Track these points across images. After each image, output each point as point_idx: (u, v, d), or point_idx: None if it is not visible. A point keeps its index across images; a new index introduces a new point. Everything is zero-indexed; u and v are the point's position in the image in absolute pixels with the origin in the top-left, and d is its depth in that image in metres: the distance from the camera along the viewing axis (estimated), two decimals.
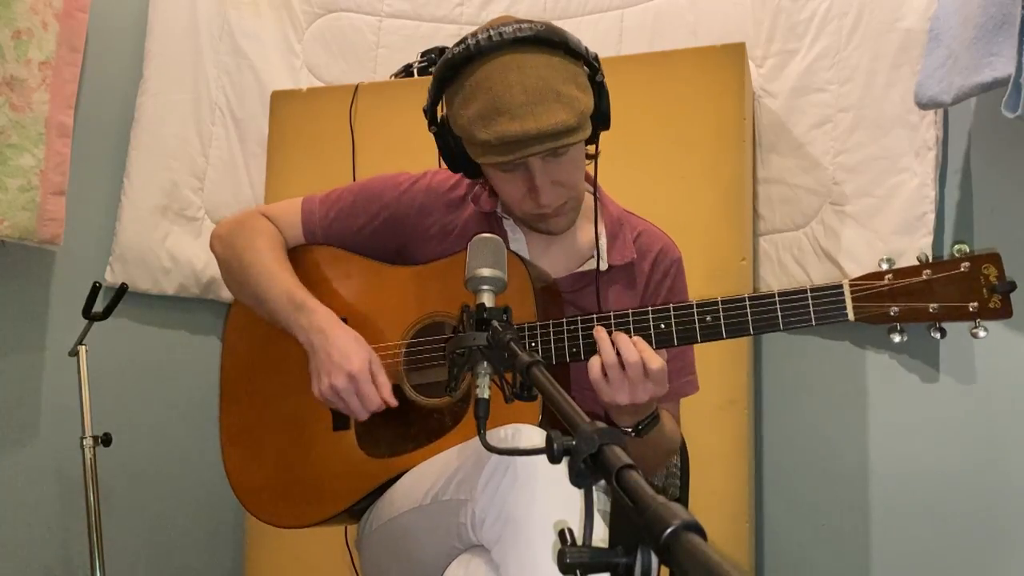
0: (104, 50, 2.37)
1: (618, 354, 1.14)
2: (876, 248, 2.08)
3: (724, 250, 2.02)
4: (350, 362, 1.23)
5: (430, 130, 1.32)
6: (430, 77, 2.52)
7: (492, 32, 1.20)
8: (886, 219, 2.08)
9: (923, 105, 1.95)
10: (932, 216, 2.03)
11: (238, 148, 2.59)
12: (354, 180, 2.29)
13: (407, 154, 2.27)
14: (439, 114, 1.32)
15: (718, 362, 1.94)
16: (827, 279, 2.16)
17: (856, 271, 2.09)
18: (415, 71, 2.41)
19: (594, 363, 1.16)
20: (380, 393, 1.25)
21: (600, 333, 1.17)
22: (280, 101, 2.45)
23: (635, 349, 1.14)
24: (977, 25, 1.76)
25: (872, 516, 2.14)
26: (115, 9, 2.43)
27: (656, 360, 1.14)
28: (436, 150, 2.30)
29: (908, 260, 2.00)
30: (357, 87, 2.38)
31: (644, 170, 2.08)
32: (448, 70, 1.24)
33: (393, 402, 1.26)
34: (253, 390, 1.43)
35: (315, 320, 1.29)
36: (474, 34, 1.22)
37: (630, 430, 1.23)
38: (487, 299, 1.04)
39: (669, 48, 2.29)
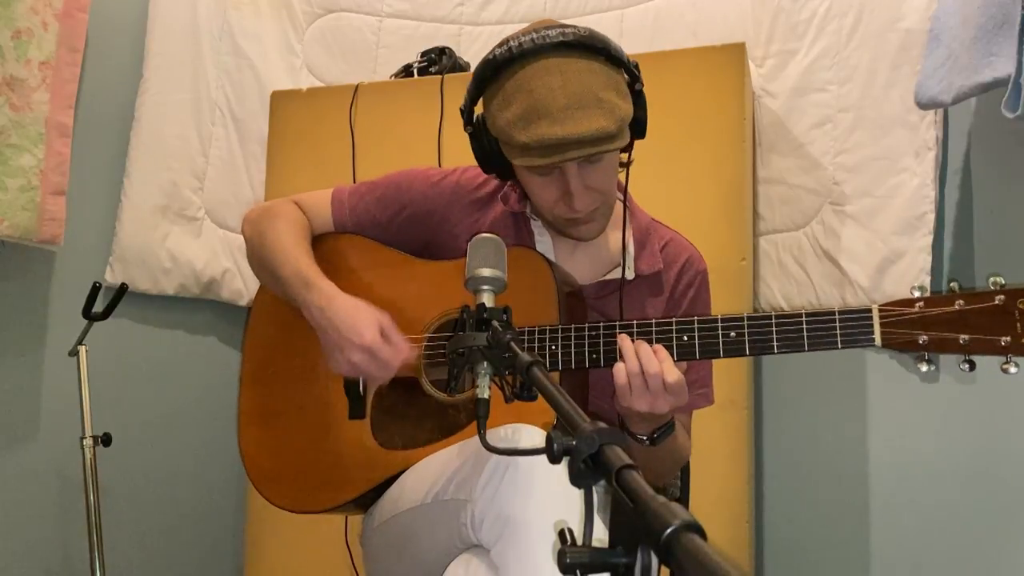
0: (104, 50, 2.37)
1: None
2: (876, 248, 2.08)
3: (724, 250, 2.02)
4: (360, 335, 1.22)
5: (465, 129, 1.32)
6: (430, 77, 2.54)
7: (535, 35, 1.21)
8: (886, 219, 2.08)
9: (923, 105, 1.95)
10: (932, 216, 2.03)
11: (238, 148, 2.59)
12: (354, 180, 2.29)
13: (407, 154, 2.28)
14: (476, 114, 1.32)
15: (718, 362, 1.93)
16: (827, 279, 2.16)
17: (856, 271, 2.10)
18: (415, 71, 2.41)
19: (619, 369, 1.16)
20: (399, 353, 1.24)
21: (624, 341, 1.17)
22: (280, 101, 2.45)
23: (656, 360, 1.14)
24: (977, 25, 1.76)
25: (872, 516, 2.14)
26: (115, 9, 2.43)
27: (673, 373, 1.14)
28: (436, 150, 2.31)
29: (909, 260, 2.02)
30: (357, 87, 2.38)
31: (644, 170, 2.06)
32: (490, 70, 1.24)
33: (412, 356, 1.26)
34: (273, 374, 1.44)
35: (317, 297, 1.28)
36: (516, 36, 1.22)
37: (645, 438, 1.23)
38: (487, 299, 1.04)
39: (669, 48, 2.29)
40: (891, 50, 2.12)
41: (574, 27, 1.23)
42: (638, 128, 1.28)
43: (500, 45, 1.23)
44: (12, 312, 2.14)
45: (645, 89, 1.29)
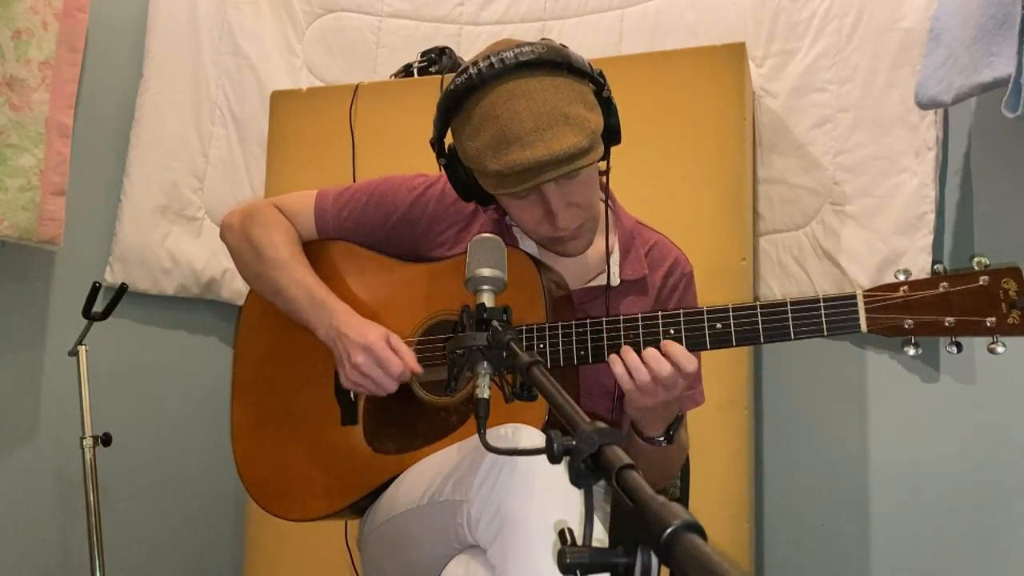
0: (104, 50, 2.37)
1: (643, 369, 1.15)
2: (876, 248, 2.08)
3: (724, 250, 2.02)
4: (365, 336, 1.24)
5: (439, 162, 1.31)
6: (430, 77, 2.53)
7: (493, 59, 1.18)
8: (886, 219, 2.08)
9: (923, 105, 1.95)
10: (932, 216, 2.03)
11: (238, 148, 2.59)
12: (354, 180, 2.29)
13: (407, 154, 2.27)
14: (446, 144, 1.31)
15: (718, 362, 1.94)
16: (827, 279, 2.16)
17: (856, 271, 2.09)
18: (415, 71, 2.41)
19: (624, 377, 1.16)
20: (402, 359, 1.24)
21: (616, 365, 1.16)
22: (280, 101, 2.45)
23: (644, 369, 1.14)
24: (977, 25, 1.76)
25: (872, 516, 2.14)
26: (115, 9, 2.43)
27: (665, 367, 1.14)
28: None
29: (909, 260, 2.02)
30: (357, 87, 2.38)
31: (644, 170, 2.07)
32: (452, 102, 1.22)
33: (417, 368, 1.25)
34: (264, 382, 1.44)
35: (333, 318, 1.29)
36: (475, 62, 1.20)
37: (662, 439, 1.23)
38: (487, 299, 1.04)
39: (669, 48, 2.29)
40: (891, 50, 2.12)
41: (531, 44, 1.20)
42: (611, 136, 1.27)
43: (459, 74, 1.21)
44: (12, 312, 2.14)
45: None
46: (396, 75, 2.45)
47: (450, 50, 2.43)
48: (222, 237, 1.49)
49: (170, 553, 2.45)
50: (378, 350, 1.22)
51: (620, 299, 1.37)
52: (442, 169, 1.32)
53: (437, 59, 2.40)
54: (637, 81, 2.11)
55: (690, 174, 2.07)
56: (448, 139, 1.30)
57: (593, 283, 1.38)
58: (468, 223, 1.41)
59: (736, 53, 2.10)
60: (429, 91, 2.28)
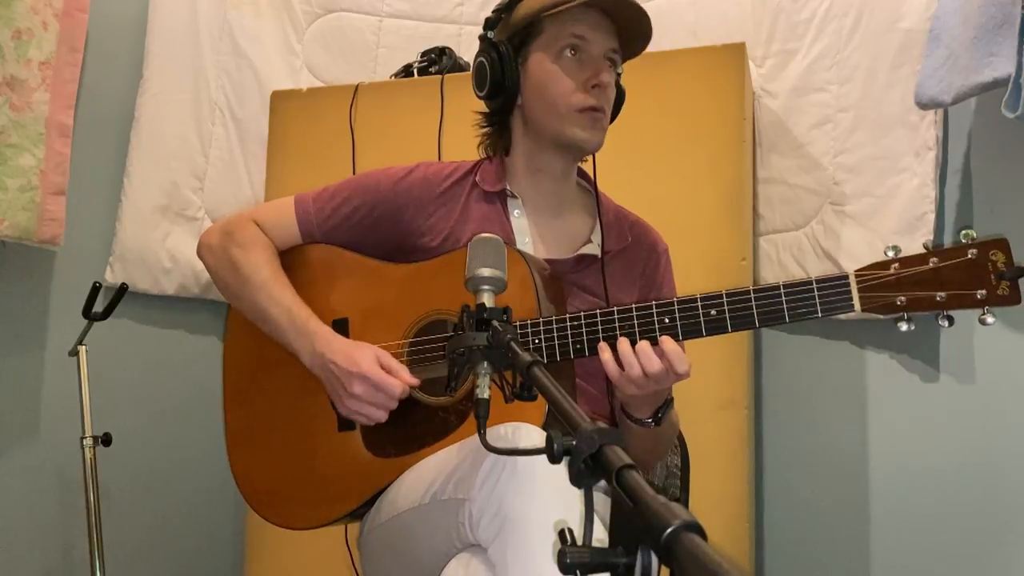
0: (104, 50, 2.37)
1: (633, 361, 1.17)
2: (876, 248, 2.08)
3: (724, 250, 2.02)
4: (357, 365, 1.23)
5: (483, 33, 1.39)
6: (430, 77, 2.53)
7: None
8: (886, 219, 2.08)
9: (923, 105, 1.95)
10: (932, 216, 2.03)
11: (238, 148, 2.59)
12: None
13: (407, 154, 2.26)
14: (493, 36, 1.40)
15: (718, 362, 1.94)
16: None
17: None
18: (415, 71, 2.41)
19: (613, 367, 1.17)
20: (398, 377, 1.24)
21: (623, 345, 1.17)
22: (280, 101, 2.45)
23: (637, 365, 1.15)
24: (977, 25, 1.76)
25: (872, 516, 2.14)
26: (115, 9, 2.43)
27: (655, 364, 1.15)
28: (436, 150, 2.30)
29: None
30: (357, 87, 2.38)
31: (644, 170, 2.07)
32: None
33: (414, 382, 1.25)
34: (258, 390, 1.43)
35: (316, 343, 1.28)
36: None
37: (650, 421, 1.25)
38: (487, 299, 1.04)
39: (669, 48, 2.29)
40: (891, 50, 2.12)
41: None
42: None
43: None
44: (12, 312, 2.14)
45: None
46: (396, 75, 2.45)
47: (450, 50, 2.43)
48: (200, 256, 1.46)
49: (170, 553, 2.45)
50: (373, 376, 1.22)
51: (610, 268, 1.40)
52: (486, 42, 1.39)
53: (437, 59, 2.40)
54: (637, 81, 2.10)
55: (690, 174, 2.07)
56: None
57: (582, 251, 1.41)
58: (455, 204, 1.41)
59: (736, 53, 2.10)
60: (429, 91, 2.29)
